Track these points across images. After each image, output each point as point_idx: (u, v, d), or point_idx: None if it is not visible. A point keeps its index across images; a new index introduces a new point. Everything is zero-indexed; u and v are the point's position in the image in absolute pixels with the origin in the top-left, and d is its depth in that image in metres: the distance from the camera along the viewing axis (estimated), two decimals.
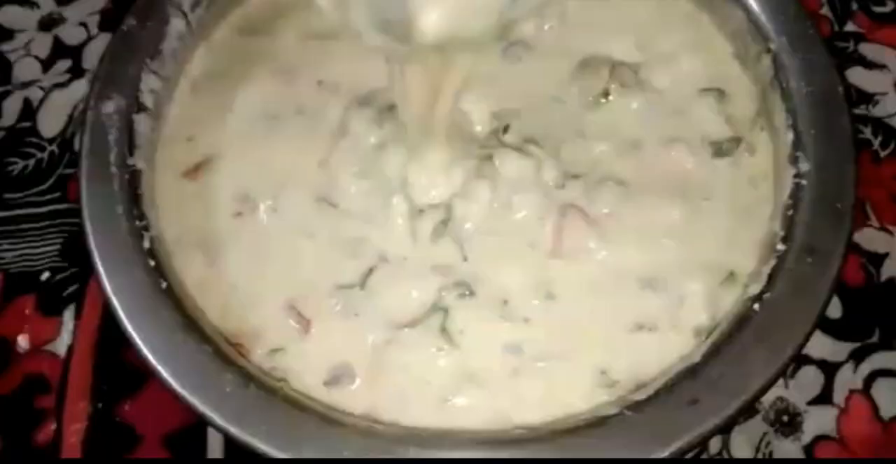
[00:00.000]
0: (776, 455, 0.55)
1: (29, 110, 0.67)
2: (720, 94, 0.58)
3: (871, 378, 0.57)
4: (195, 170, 0.56)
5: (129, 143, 0.52)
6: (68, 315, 0.59)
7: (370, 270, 0.52)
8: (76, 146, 0.55)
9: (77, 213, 0.50)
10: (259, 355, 0.50)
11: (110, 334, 0.58)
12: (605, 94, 0.58)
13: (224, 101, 0.58)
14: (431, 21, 0.40)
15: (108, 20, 0.71)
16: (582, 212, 0.54)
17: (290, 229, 0.54)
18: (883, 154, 0.65)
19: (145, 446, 0.55)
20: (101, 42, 0.70)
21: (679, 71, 0.59)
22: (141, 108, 0.53)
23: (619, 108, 0.58)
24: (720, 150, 0.56)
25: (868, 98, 0.67)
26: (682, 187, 0.55)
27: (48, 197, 0.64)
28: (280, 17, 0.61)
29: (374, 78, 0.56)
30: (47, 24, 0.72)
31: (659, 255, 0.53)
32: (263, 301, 0.52)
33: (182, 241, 0.53)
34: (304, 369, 0.49)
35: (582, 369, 0.50)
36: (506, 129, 0.57)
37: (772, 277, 0.48)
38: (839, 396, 0.57)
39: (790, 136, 0.53)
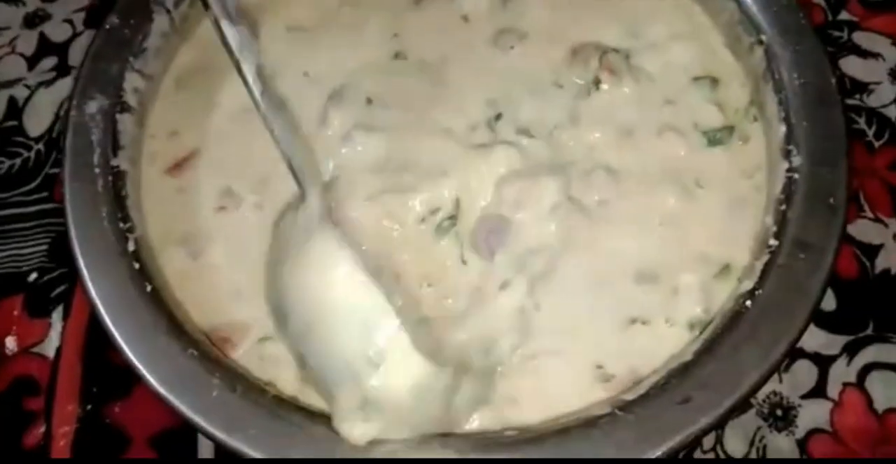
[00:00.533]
0: (770, 449, 0.55)
1: (14, 109, 0.67)
2: (713, 82, 0.58)
3: (864, 371, 0.57)
4: (178, 166, 0.55)
5: (113, 143, 0.52)
6: (56, 316, 0.59)
7: None
8: (61, 146, 0.54)
9: (63, 213, 0.50)
10: (247, 345, 0.49)
11: (99, 335, 0.57)
12: (597, 82, 0.57)
13: (208, 95, 0.58)
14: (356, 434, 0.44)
15: (94, 17, 0.70)
16: (574, 200, 0.54)
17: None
18: (877, 144, 0.64)
19: (135, 448, 0.55)
20: (86, 39, 0.69)
21: (671, 59, 0.59)
22: (124, 107, 0.53)
23: (612, 96, 0.57)
24: (714, 138, 0.56)
25: (862, 87, 0.66)
26: (677, 175, 0.55)
27: (35, 197, 0.64)
28: (265, 9, 0.61)
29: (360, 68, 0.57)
30: (32, 20, 0.71)
31: (654, 244, 0.52)
32: (251, 295, 0.51)
33: (166, 238, 0.52)
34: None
35: (577, 364, 0.49)
36: (498, 117, 0.56)
37: (764, 273, 0.48)
38: (833, 389, 0.57)
39: (783, 129, 0.52)
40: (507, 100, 0.57)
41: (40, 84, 0.68)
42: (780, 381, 0.57)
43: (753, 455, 0.55)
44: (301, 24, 0.60)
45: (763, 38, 0.55)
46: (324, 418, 0.45)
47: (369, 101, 0.57)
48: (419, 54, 0.59)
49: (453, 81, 0.58)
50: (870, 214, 0.62)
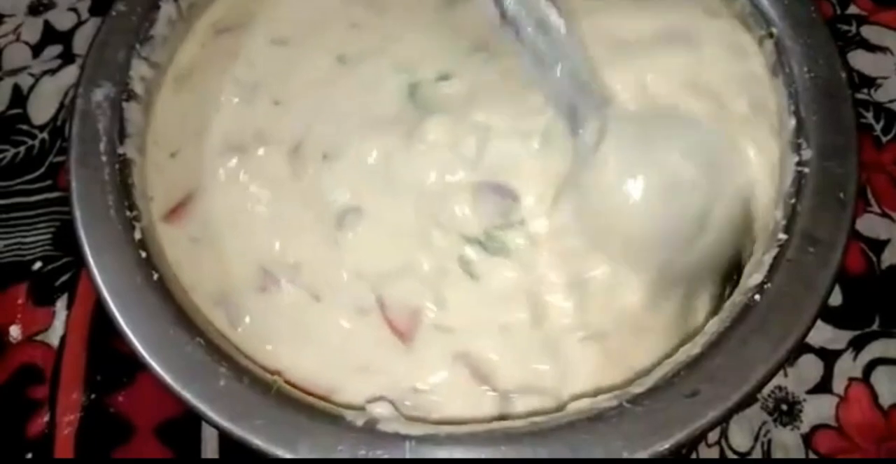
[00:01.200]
0: (775, 444, 0.55)
1: (19, 97, 0.67)
2: None
3: (870, 366, 0.57)
4: (175, 212, 0.52)
5: (120, 131, 0.51)
6: (61, 305, 0.59)
7: None
8: (67, 134, 0.54)
9: (69, 201, 0.49)
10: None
11: (103, 324, 0.57)
12: None
13: (201, 115, 0.55)
14: None
15: (98, 5, 0.70)
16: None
17: (333, 311, 0.51)
18: (885, 139, 0.64)
19: (139, 438, 0.55)
20: (91, 27, 0.69)
21: None
22: (131, 95, 0.52)
23: None
24: None
25: (870, 82, 0.66)
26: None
27: (39, 185, 0.63)
28: (253, 13, 0.59)
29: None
30: (37, 8, 0.71)
31: None
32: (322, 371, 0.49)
33: (201, 295, 0.50)
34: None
35: None
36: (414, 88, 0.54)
37: (773, 267, 0.48)
38: (839, 384, 0.57)
39: (792, 122, 0.52)
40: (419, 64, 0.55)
41: (45, 72, 0.68)
42: (786, 375, 0.57)
43: (758, 450, 0.55)
44: (283, 36, 0.57)
45: (774, 30, 0.54)
46: (328, 412, 0.45)
47: (325, 157, 0.53)
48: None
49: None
50: (877, 209, 0.62)
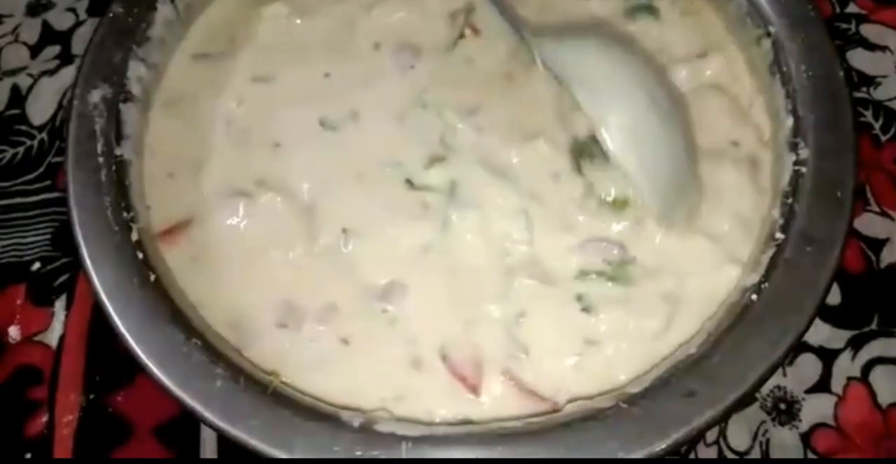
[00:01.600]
0: (774, 443, 0.55)
1: (18, 97, 0.67)
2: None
3: (869, 366, 0.57)
4: (170, 233, 0.52)
5: (117, 132, 0.51)
6: (59, 305, 0.59)
7: None
8: (64, 135, 0.54)
9: (67, 202, 0.50)
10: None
11: (102, 324, 0.56)
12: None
13: (195, 147, 0.54)
14: None
15: (97, 5, 0.70)
16: None
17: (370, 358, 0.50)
18: (884, 138, 0.64)
19: (137, 438, 0.55)
20: (89, 28, 0.69)
21: None
22: (128, 97, 0.52)
23: None
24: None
25: (869, 81, 0.66)
26: None
27: (38, 186, 0.63)
28: (235, 39, 0.58)
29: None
30: (35, 8, 0.71)
31: None
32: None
33: (203, 307, 0.50)
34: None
35: None
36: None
37: (771, 267, 0.48)
38: (837, 383, 0.57)
39: (790, 121, 0.52)
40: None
41: (43, 73, 0.67)
42: (785, 375, 0.56)
43: (757, 449, 0.55)
44: (264, 74, 0.57)
45: (771, 29, 0.54)
46: (324, 412, 0.46)
47: (347, 232, 0.52)
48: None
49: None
50: (876, 208, 0.62)
